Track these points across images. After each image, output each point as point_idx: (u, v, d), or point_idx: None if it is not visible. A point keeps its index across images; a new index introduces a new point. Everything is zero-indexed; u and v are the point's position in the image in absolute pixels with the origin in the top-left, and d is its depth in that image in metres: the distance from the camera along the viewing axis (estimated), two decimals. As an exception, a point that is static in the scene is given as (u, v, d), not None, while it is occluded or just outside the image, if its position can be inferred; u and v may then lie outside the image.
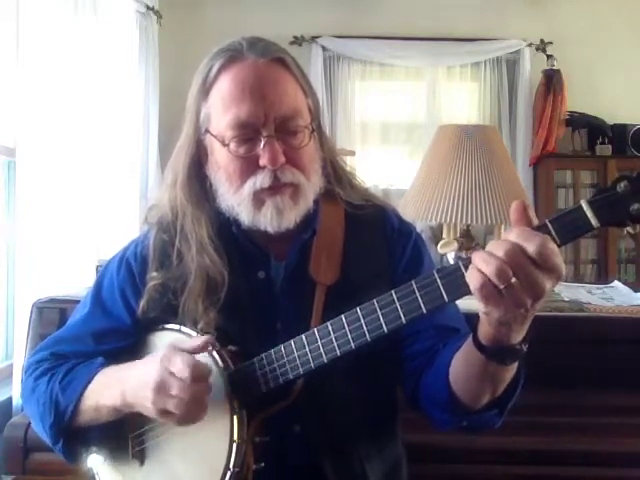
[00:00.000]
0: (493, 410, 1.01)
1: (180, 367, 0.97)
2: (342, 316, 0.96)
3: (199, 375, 0.97)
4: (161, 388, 0.98)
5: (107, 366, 1.11)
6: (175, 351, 1.00)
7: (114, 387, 1.06)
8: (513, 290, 0.79)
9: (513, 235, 0.80)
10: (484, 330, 0.89)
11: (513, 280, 0.79)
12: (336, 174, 1.20)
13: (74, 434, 1.12)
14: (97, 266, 2.17)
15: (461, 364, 0.98)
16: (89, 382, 1.10)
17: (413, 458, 1.24)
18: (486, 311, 0.82)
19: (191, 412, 0.98)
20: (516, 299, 0.80)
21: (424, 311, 0.89)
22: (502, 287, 0.79)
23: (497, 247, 0.80)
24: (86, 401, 1.09)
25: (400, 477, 1.20)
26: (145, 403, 1.01)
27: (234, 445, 1.01)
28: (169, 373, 0.98)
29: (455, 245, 2.11)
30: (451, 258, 2.13)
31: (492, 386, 0.96)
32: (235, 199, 1.09)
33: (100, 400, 1.08)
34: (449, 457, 1.55)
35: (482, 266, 0.80)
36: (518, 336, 0.87)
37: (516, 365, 0.94)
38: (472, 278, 0.81)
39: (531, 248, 0.78)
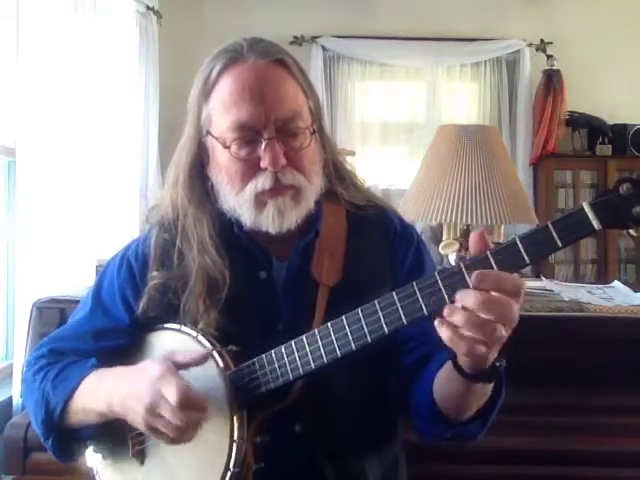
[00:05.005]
0: (476, 422, 1.03)
1: (170, 393, 0.96)
2: (343, 317, 0.96)
3: (189, 403, 0.97)
4: (152, 408, 0.98)
5: (101, 367, 1.11)
6: (171, 373, 0.99)
7: (102, 394, 1.06)
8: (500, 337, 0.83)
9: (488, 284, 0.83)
10: (462, 361, 0.91)
11: (503, 332, 0.83)
12: (338, 174, 1.20)
13: (65, 432, 1.12)
14: (97, 266, 2.18)
15: (445, 384, 1.00)
16: (79, 384, 1.10)
17: (412, 458, 1.24)
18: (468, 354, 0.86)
19: (180, 436, 0.98)
20: (501, 338, 0.84)
21: (425, 313, 0.89)
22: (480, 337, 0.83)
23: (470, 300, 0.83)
24: (75, 402, 1.10)
25: (398, 477, 1.21)
26: (135, 417, 1.01)
27: (234, 445, 1.01)
28: (160, 395, 0.97)
29: (457, 246, 2.11)
30: (452, 259, 2.13)
31: (476, 402, 0.99)
32: (237, 201, 1.09)
33: (88, 404, 1.08)
34: (448, 457, 1.55)
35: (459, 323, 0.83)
36: (493, 356, 0.90)
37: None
38: (465, 350, 0.84)
39: (511, 287, 0.82)
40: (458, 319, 0.83)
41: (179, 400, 0.95)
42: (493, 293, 0.82)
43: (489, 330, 0.82)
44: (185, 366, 1.02)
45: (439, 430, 1.07)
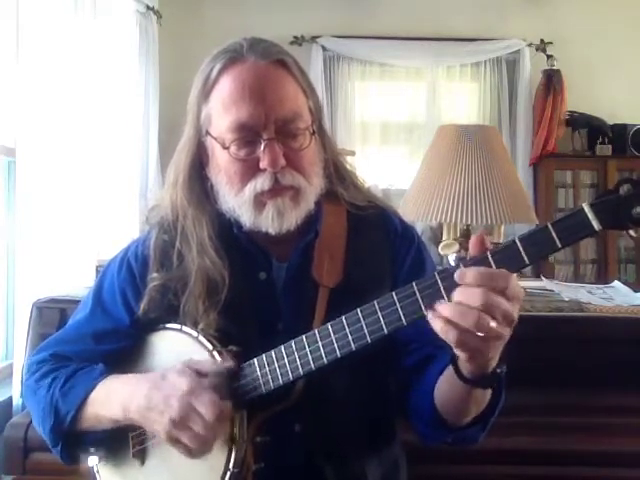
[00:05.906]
0: (476, 426, 1.03)
1: (204, 409, 0.97)
2: (343, 317, 0.96)
3: (223, 416, 0.98)
4: (181, 421, 0.98)
5: (108, 372, 1.11)
6: (201, 388, 0.99)
7: (116, 401, 1.06)
8: (494, 331, 0.83)
9: (475, 279, 0.83)
10: (463, 365, 0.92)
11: (493, 324, 0.82)
12: (338, 174, 1.20)
13: (73, 438, 1.12)
14: (97, 266, 2.17)
15: (445, 389, 1.00)
16: (90, 391, 1.09)
17: (412, 458, 1.24)
18: (469, 357, 0.87)
19: (204, 448, 0.99)
20: (498, 335, 0.84)
21: (425, 313, 0.89)
22: (484, 334, 0.83)
23: (471, 297, 0.83)
24: (86, 409, 1.09)
25: (398, 478, 1.21)
26: (155, 427, 1.01)
27: (234, 445, 1.02)
28: (193, 409, 0.98)
29: (456, 247, 2.11)
30: (452, 260, 2.13)
31: (476, 407, 0.99)
32: (236, 201, 1.09)
33: (101, 411, 1.08)
34: (448, 458, 1.55)
35: (460, 320, 0.83)
36: (494, 362, 0.91)
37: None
38: (455, 339, 0.84)
39: (502, 285, 0.82)
40: (444, 310, 0.85)
41: (215, 416, 0.96)
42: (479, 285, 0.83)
43: (474, 318, 0.82)
44: (204, 376, 1.02)
45: (439, 434, 1.07)
